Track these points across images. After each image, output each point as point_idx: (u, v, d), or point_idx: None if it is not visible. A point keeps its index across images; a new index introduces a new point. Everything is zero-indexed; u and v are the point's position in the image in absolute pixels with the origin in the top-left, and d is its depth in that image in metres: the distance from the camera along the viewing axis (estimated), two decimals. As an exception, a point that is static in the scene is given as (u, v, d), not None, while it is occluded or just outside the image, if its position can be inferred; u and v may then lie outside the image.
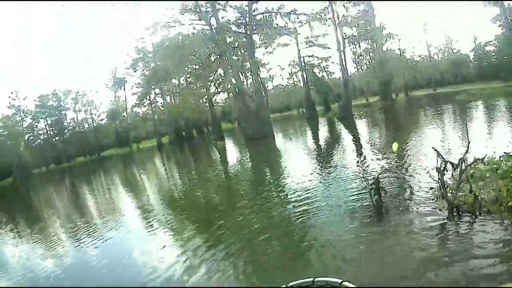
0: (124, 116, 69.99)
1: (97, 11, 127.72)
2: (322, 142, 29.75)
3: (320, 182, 15.13)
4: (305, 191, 13.90)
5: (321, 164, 19.73)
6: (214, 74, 51.48)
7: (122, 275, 9.95)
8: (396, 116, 37.41)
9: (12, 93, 63.09)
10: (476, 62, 60.95)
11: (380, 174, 10.66)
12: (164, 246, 11.26)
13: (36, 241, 15.78)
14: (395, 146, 10.91)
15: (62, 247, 13.70)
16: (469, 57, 63.29)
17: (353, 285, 2.88)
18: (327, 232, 9.44)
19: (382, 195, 10.10)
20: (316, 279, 3.04)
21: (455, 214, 8.40)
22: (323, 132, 38.25)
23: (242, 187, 19.13)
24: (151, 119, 65.89)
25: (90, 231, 15.12)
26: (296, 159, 23.10)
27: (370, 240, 8.40)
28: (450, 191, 8.92)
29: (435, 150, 8.88)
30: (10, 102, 62.96)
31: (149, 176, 32.63)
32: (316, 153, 24.61)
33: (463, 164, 8.45)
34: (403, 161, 15.38)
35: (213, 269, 8.79)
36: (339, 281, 2.72)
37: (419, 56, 70.56)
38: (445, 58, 66.49)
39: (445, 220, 8.36)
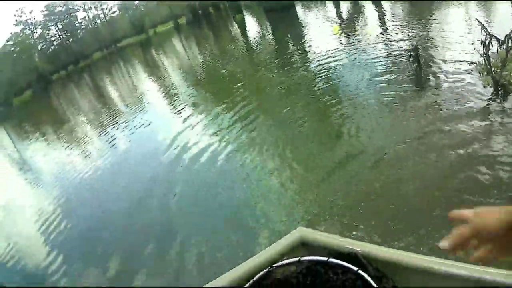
0: (136, 5, 67.00)
1: None
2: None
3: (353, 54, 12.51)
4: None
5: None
6: None
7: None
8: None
9: (16, 10, 60.92)
10: None
11: (419, 40, 9.61)
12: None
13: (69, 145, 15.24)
14: (335, 28, 8.93)
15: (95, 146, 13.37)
16: None
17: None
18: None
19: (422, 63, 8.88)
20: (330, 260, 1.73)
21: (500, 91, 6.95)
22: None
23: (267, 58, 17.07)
24: (164, 2, 62.89)
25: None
26: (322, 30, 20.23)
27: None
28: (494, 68, 7.40)
29: (479, 22, 7.36)
30: (16, 20, 60.76)
31: (169, 56, 30.97)
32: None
33: (510, 41, 6.82)
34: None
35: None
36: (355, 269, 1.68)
37: None
38: None
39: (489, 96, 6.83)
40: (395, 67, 9.48)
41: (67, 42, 63.56)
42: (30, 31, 62.12)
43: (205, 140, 9.26)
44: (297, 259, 1.84)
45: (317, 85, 10.26)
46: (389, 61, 10.14)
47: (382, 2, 18.73)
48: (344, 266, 1.65)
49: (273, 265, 1.80)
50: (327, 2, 29.17)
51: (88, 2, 66.68)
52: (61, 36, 64.94)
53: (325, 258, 1.78)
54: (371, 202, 4.85)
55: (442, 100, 7.04)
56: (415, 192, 4.72)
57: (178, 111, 12.89)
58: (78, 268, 6.37)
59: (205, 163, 8.05)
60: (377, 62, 10.36)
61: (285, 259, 1.84)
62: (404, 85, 8.28)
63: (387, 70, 9.52)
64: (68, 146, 14.93)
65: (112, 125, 14.91)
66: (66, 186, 10.43)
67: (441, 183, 4.72)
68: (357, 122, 7.27)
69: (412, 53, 8.94)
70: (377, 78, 9.16)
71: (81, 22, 67.06)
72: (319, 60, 12.44)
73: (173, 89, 17.53)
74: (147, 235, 6.41)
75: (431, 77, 8.32)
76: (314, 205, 5.29)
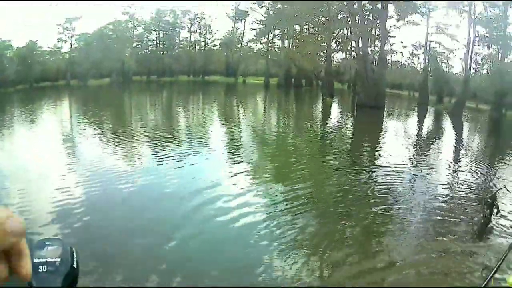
0: (237, 48, 68.94)
1: None
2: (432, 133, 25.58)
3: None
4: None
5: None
6: (339, 31, 49.58)
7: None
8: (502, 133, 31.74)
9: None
10: None
11: (500, 189, 9.14)
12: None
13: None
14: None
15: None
16: None
17: None
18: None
19: (494, 212, 8.56)
20: None
21: None
22: (431, 121, 35.16)
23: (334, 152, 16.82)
24: (264, 57, 64.42)
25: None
26: (399, 140, 20.32)
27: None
28: None
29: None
30: (124, 9, 63.25)
31: (246, 109, 31.03)
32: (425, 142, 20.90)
33: None
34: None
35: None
36: None
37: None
38: None
39: None
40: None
41: (161, 52, 65.69)
42: (132, 26, 64.01)
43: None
44: None
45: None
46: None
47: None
48: None
49: None
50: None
51: (196, 24, 69.11)
52: (158, 44, 67.22)
53: None
54: None
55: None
56: None
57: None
58: None
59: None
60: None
61: None
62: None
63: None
64: (116, 147, 14.56)
65: (164, 148, 14.47)
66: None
67: None
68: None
69: (489, 200, 8.60)
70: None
71: (181, 41, 69.32)
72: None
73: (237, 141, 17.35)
74: None
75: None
76: None
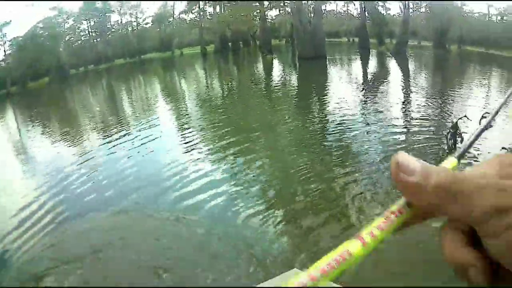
0: (170, 21, 68.01)
1: None
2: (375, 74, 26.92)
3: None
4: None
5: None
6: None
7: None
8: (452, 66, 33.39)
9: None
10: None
11: (460, 118, 9.46)
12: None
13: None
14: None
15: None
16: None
17: None
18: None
19: (458, 141, 9.08)
20: None
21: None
22: (375, 63, 37.10)
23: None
24: (197, 26, 63.84)
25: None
26: (347, 86, 21.27)
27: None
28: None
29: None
30: (52, 5, 61.24)
31: (188, 80, 31.48)
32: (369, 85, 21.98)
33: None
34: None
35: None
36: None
37: (478, 12, 64.38)
38: (503, 21, 59.91)
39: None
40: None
41: (95, 40, 64.28)
42: (62, 20, 62.20)
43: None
44: None
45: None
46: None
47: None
48: None
49: None
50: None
51: (125, 6, 67.55)
52: (90, 33, 65.62)
53: None
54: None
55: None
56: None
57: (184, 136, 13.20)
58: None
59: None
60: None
61: None
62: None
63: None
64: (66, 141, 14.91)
65: (114, 132, 14.97)
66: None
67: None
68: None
69: (451, 130, 9.18)
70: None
71: (113, 25, 67.85)
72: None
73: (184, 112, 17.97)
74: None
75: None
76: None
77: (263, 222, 6.69)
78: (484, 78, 21.78)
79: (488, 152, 8.07)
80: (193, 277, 5.35)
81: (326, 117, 14.12)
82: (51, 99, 30.60)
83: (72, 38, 64.95)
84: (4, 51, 49.80)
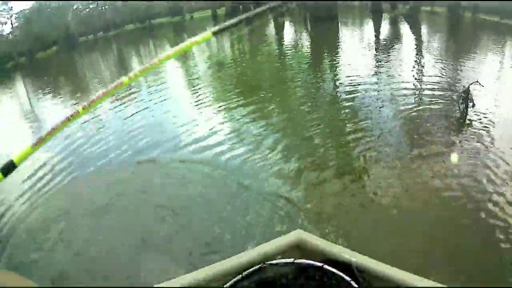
0: (180, -15, 67.19)
1: None
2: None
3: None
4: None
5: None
6: None
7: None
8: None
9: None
10: None
11: (472, 83, 9.26)
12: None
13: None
14: None
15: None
16: None
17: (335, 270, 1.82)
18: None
19: (470, 106, 9.01)
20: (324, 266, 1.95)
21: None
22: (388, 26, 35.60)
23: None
24: (208, -9, 63.07)
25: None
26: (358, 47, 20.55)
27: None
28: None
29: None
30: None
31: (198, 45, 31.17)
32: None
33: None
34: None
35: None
36: (348, 279, 1.69)
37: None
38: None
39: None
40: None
41: (103, 8, 63.83)
42: (69, -11, 62.05)
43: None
44: (291, 260, 1.82)
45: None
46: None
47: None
48: (338, 275, 1.65)
49: (266, 263, 1.79)
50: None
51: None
52: (98, 1, 65.22)
53: (320, 264, 1.77)
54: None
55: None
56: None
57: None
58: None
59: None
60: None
61: (279, 259, 1.84)
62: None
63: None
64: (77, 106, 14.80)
65: (125, 96, 15.02)
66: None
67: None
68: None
69: (463, 94, 9.13)
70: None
71: (121, -9, 67.29)
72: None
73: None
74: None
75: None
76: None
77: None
78: (499, 47, 21.29)
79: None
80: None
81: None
82: (60, 68, 30.56)
83: (80, 7, 64.60)
84: (11, 23, 49.96)
